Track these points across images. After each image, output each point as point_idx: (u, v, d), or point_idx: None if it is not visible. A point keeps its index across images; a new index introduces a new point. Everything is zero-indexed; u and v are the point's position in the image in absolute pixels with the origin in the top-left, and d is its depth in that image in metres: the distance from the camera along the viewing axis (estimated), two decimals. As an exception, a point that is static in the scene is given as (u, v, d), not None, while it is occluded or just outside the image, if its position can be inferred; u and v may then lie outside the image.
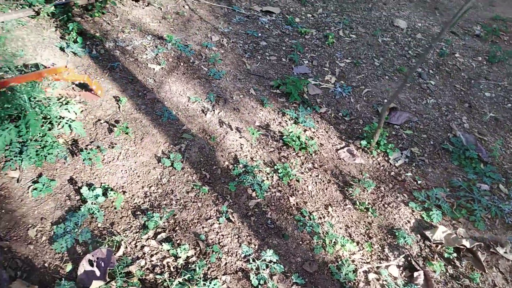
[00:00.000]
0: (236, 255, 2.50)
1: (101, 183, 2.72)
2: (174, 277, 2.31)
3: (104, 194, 2.64)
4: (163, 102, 3.43)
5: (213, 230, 2.61)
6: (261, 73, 4.00)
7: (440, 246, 2.78)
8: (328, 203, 2.93)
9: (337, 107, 3.81)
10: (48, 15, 3.84)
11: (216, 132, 3.29)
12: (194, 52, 4.05)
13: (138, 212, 2.62)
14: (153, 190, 2.78)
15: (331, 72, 4.21)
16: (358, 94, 4.00)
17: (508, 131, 3.87)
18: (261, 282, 2.36)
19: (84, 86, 3.32)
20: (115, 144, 2.98)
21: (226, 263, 2.44)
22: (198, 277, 2.30)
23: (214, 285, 2.28)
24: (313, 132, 3.48)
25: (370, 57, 4.54)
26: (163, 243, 2.46)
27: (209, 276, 2.36)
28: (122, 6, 4.39)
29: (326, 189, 3.04)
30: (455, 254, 2.75)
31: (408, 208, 3.02)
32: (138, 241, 2.47)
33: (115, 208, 2.61)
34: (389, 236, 2.81)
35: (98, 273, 2.22)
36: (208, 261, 2.42)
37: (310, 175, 3.11)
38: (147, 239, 2.49)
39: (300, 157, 3.23)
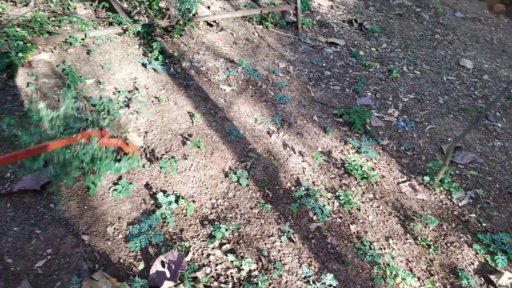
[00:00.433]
0: (297, 275, 2.55)
1: (173, 191, 2.90)
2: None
3: (176, 201, 2.81)
4: (232, 121, 3.61)
5: (275, 248, 2.69)
6: (324, 101, 4.12)
7: (505, 292, 2.69)
8: (388, 235, 2.93)
9: (399, 141, 3.82)
10: (133, 33, 4.21)
11: (280, 153, 3.41)
12: (262, 76, 4.25)
13: (206, 222, 2.76)
14: (220, 203, 2.91)
15: (394, 106, 4.25)
16: (421, 130, 4.00)
17: None
18: (321, 304, 2.39)
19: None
20: (188, 156, 3.18)
21: (286, 281, 2.50)
22: (260, 291, 2.38)
23: (275, 301, 2.34)
24: (375, 163, 3.51)
25: (434, 94, 4.54)
26: (227, 254, 2.57)
27: (270, 292, 2.43)
28: (198, 29, 4.72)
29: (387, 221, 3.04)
30: (522, 303, 2.64)
31: (471, 250, 2.95)
32: (205, 249, 2.59)
33: (184, 216, 2.77)
34: (452, 275, 2.75)
35: (168, 274, 2.35)
36: (269, 277, 2.49)
37: (371, 205, 3.13)
38: (213, 248, 2.61)
39: (361, 186, 3.26)
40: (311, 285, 2.49)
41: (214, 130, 3.48)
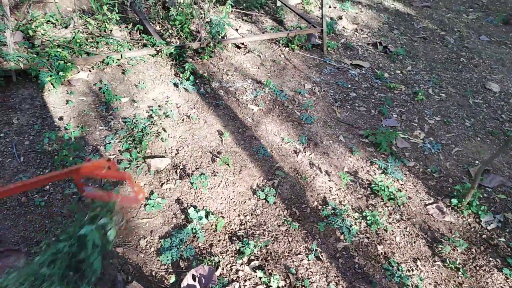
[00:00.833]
0: (324, 293, 2.57)
1: (203, 206, 2.99)
2: (266, 304, 2.43)
3: (206, 216, 2.88)
4: (259, 140, 3.70)
5: (303, 266, 2.72)
6: (350, 122, 4.17)
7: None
8: (416, 257, 2.92)
9: (425, 163, 3.82)
10: (166, 55, 4.40)
11: (306, 172, 3.47)
12: (288, 97, 4.35)
13: (234, 238, 2.82)
14: (248, 219, 2.98)
15: (420, 128, 4.27)
16: (447, 152, 3.99)
17: None
18: (349, 324, 2.39)
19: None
20: (217, 173, 3.27)
21: (314, 300, 2.52)
22: (288, 308, 2.40)
23: (304, 318, 2.36)
24: (401, 184, 3.52)
25: (460, 117, 4.54)
26: (256, 270, 2.61)
27: (298, 309, 2.45)
28: (226, 51, 4.89)
29: (414, 242, 3.03)
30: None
31: (501, 274, 2.90)
32: (233, 265, 2.65)
33: (214, 231, 2.84)
34: (482, 300, 2.71)
35: (199, 288, 2.41)
36: (297, 295, 2.52)
37: (398, 227, 3.13)
38: (242, 264, 2.66)
39: (388, 207, 3.27)
40: (339, 304, 2.50)
41: (242, 148, 3.57)
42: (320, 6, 5.21)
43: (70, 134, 3.35)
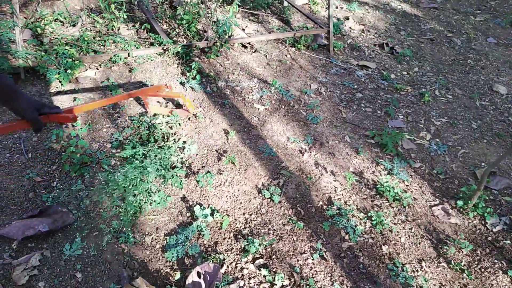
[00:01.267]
0: (329, 292, 2.57)
1: (209, 204, 3.00)
2: (270, 302, 2.44)
3: (212, 214, 2.90)
4: (265, 139, 3.71)
5: (307, 265, 2.72)
6: (356, 123, 4.17)
7: (544, 323, 2.61)
8: (421, 258, 2.91)
9: (431, 164, 3.81)
10: (173, 53, 4.42)
11: (311, 172, 3.47)
12: (294, 97, 4.36)
13: (239, 236, 2.83)
14: (253, 218, 2.99)
15: (426, 129, 4.25)
16: (453, 154, 3.98)
17: None
18: (353, 323, 2.39)
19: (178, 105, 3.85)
20: (223, 171, 3.28)
21: (318, 299, 2.52)
22: (293, 307, 2.41)
23: (308, 317, 2.36)
24: (407, 185, 3.52)
25: (467, 119, 4.52)
26: (261, 269, 2.62)
27: (302, 308, 2.45)
28: (233, 51, 4.90)
29: (419, 243, 3.03)
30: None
31: (506, 276, 2.89)
32: (238, 263, 2.66)
33: (219, 229, 2.85)
34: (487, 302, 2.70)
35: (204, 285, 2.42)
36: (302, 293, 2.52)
37: (403, 227, 3.12)
38: (246, 262, 2.67)
39: (393, 208, 3.27)
40: (343, 303, 2.50)
41: (248, 147, 3.58)
42: (327, 6, 5.21)
43: (78, 131, 3.38)
